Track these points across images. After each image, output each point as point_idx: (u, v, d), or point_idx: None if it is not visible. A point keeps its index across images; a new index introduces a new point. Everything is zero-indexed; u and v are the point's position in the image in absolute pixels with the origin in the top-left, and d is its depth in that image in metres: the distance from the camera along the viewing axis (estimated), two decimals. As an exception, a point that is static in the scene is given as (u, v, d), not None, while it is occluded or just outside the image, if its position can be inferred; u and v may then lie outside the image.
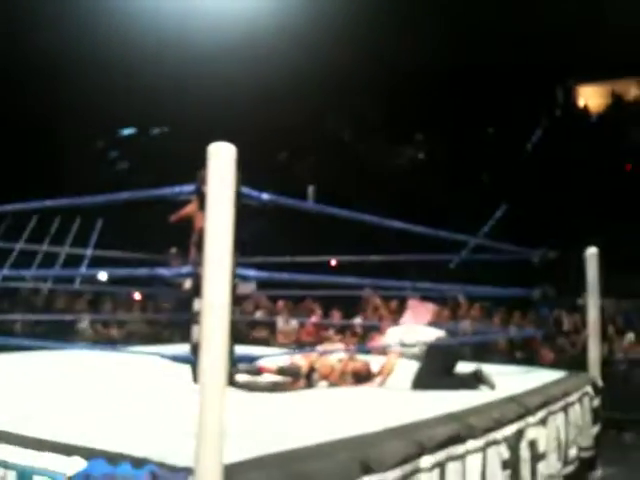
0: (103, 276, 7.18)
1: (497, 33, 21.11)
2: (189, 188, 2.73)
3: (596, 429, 6.21)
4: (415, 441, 3.46)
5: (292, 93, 22.27)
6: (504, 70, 21.50)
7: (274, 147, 25.42)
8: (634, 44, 19.17)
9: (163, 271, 3.02)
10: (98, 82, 22.38)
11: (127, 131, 29.37)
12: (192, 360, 2.57)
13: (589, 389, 6.12)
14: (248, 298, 10.78)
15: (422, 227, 4.94)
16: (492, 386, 5.11)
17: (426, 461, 3.45)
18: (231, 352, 2.61)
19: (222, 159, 2.58)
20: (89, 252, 11.46)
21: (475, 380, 5.22)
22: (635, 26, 18.96)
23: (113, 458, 2.75)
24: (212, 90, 22.70)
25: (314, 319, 10.32)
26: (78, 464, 2.77)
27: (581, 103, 24.76)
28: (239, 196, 2.64)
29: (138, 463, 2.67)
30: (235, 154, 2.59)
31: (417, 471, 3.37)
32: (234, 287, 2.75)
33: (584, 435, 5.89)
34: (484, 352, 8.06)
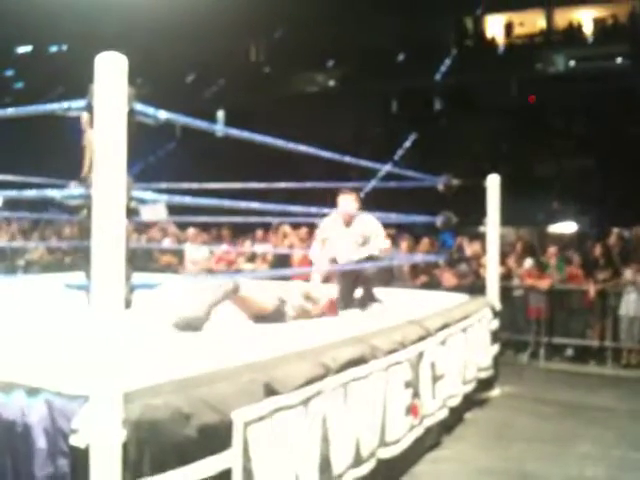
0: None
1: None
2: (79, 103, 2.54)
3: (494, 350, 6.49)
4: (319, 363, 3.49)
5: (205, 14, 21.43)
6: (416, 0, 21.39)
7: (183, 70, 24.61)
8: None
9: (54, 192, 2.84)
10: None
11: (23, 49, 27.64)
12: (86, 287, 2.45)
13: (488, 312, 6.36)
14: (156, 224, 10.54)
15: (333, 153, 4.89)
16: None
17: (330, 382, 3.50)
18: (128, 278, 2.49)
19: (111, 69, 2.39)
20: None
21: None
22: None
23: (6, 387, 2.64)
24: (119, 8, 21.56)
25: (225, 247, 10.21)
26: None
27: (489, 34, 25.00)
28: (132, 113, 2.48)
29: (33, 392, 2.58)
30: (126, 65, 2.42)
31: (321, 392, 3.41)
32: (132, 210, 2.62)
33: (482, 356, 6.15)
34: (390, 277, 8.22)
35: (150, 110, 2.70)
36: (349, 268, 5.46)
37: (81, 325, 2.62)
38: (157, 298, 4.44)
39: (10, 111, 2.98)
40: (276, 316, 4.68)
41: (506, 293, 7.98)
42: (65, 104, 2.60)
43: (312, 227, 9.21)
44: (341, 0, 21.81)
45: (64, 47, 27.21)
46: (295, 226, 9.76)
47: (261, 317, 4.63)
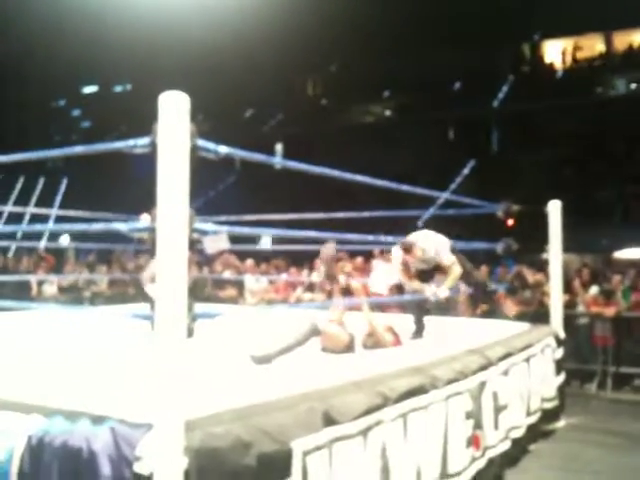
0: (65, 240, 7.08)
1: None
2: (144, 141, 2.65)
3: (559, 380, 6.33)
4: (378, 392, 3.48)
5: (261, 52, 21.92)
6: (471, 26, 21.38)
7: (242, 105, 25.13)
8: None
9: (120, 226, 2.95)
10: (59, 39, 21.80)
11: (89, 89, 28.73)
12: (151, 317, 2.52)
13: (551, 341, 6.23)
14: (219, 257, 10.71)
15: (390, 183, 4.92)
16: None
17: (389, 412, 3.48)
18: (190, 308, 2.56)
19: (173, 108, 2.49)
20: (54, 211, 11.28)
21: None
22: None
23: (72, 415, 2.72)
24: (179, 48, 22.26)
25: (285, 277, 10.29)
26: (37, 422, 2.75)
27: (547, 59, 24.76)
28: (194, 148, 2.57)
29: (98, 420, 2.65)
30: (188, 103, 2.51)
31: (380, 422, 3.40)
32: (194, 242, 2.70)
33: (547, 386, 6.01)
34: (450, 304, 8.14)
35: (211, 146, 2.79)
36: (417, 297, 5.46)
37: (145, 354, 2.69)
38: (219, 328, 4.53)
39: (79, 149, 3.12)
40: (346, 350, 4.70)
41: (571, 321, 7.79)
42: (131, 142, 2.71)
43: (368, 256, 9.23)
44: (395, 31, 21.99)
45: (128, 86, 28.17)
46: (352, 255, 9.77)
47: (331, 350, 4.64)
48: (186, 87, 3.12)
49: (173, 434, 2.44)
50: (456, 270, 5.49)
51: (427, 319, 5.68)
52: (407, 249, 5.43)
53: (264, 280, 10.03)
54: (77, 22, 21.48)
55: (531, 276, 8.96)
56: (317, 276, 5.58)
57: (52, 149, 3.59)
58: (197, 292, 2.43)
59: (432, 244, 5.49)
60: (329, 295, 9.01)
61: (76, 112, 28.44)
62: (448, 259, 5.48)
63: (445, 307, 7.34)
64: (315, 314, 4.96)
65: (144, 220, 5.46)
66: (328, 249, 5.35)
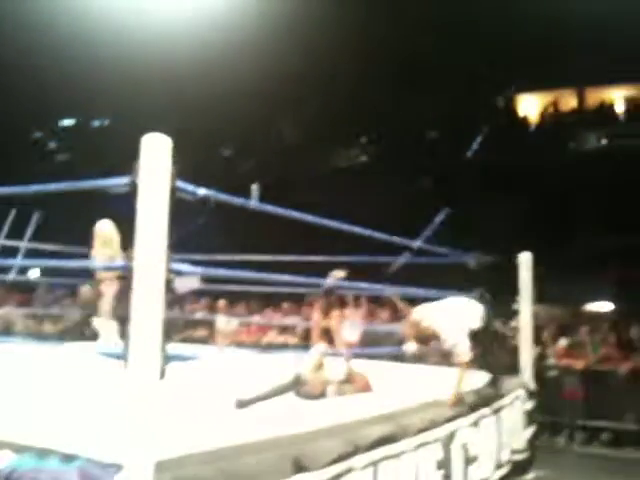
0: (35, 274, 7.02)
1: (441, 40, 21.45)
2: (123, 180, 2.66)
3: (529, 432, 6.33)
4: (349, 440, 3.46)
5: (239, 91, 22.13)
6: (447, 76, 21.85)
7: (218, 143, 25.26)
8: (572, 54, 19.78)
9: (95, 264, 2.94)
10: (36, 71, 21.83)
11: (67, 122, 28.68)
12: (124, 356, 2.51)
13: (521, 392, 6.24)
14: (190, 296, 10.64)
15: (362, 228, 4.96)
16: None
17: (360, 460, 3.46)
18: (163, 348, 2.54)
19: (156, 150, 2.52)
20: (23, 244, 11.12)
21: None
22: (571, 36, 19.59)
23: (42, 453, 2.68)
24: (157, 84, 22.40)
25: (257, 319, 10.25)
26: (7, 458, 2.70)
27: (521, 112, 25.32)
28: (174, 190, 2.58)
29: (67, 458, 2.61)
30: (170, 146, 2.54)
31: (351, 470, 3.37)
32: (169, 282, 2.69)
33: (517, 438, 6.00)
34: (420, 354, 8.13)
35: (190, 187, 2.81)
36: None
37: (116, 394, 2.66)
38: (194, 369, 4.48)
39: (58, 186, 3.11)
40: (318, 396, 4.68)
41: (540, 373, 7.83)
42: (111, 180, 2.72)
43: (341, 302, 9.22)
44: (373, 78, 22.38)
45: (106, 121, 28.19)
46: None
47: (304, 395, 4.62)
48: (163, 125, 3.15)
49: (142, 475, 2.41)
50: (467, 371, 5.16)
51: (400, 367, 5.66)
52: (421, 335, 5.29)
53: (234, 321, 9.98)
54: (57, 54, 21.55)
55: (500, 327, 9.01)
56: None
57: (28, 181, 3.57)
58: (170, 332, 2.40)
59: (452, 332, 5.14)
60: (303, 339, 8.99)
61: (52, 144, 28.33)
62: (464, 354, 5.12)
63: (418, 356, 7.35)
64: (295, 360, 4.96)
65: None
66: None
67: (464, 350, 5.12)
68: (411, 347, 5.35)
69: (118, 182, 2.71)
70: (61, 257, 6.96)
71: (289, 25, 21.11)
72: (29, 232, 14.34)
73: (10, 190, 3.45)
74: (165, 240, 2.52)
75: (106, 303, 6.60)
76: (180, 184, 2.70)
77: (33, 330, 9.63)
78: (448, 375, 6.39)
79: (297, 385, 4.49)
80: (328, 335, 5.24)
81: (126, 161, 2.69)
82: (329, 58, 22.00)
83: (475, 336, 5.25)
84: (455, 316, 5.27)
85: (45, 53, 21.50)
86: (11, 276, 6.90)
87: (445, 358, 7.43)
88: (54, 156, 27.92)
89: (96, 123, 28.67)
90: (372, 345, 6.34)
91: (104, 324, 6.50)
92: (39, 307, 10.18)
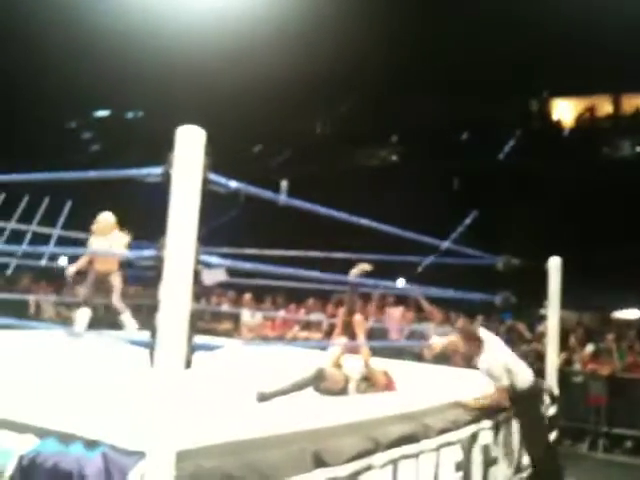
0: (64, 262, 7.27)
1: (475, 44, 21.28)
2: (157, 170, 2.69)
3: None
4: (370, 437, 3.47)
5: (273, 88, 22.19)
6: (482, 77, 21.68)
7: (251, 139, 25.36)
8: (608, 60, 19.50)
9: (127, 253, 2.98)
10: (72, 62, 22.11)
11: (101, 113, 29.02)
12: (150, 344, 2.54)
13: (545, 397, 6.19)
14: (216, 288, 10.72)
15: (391, 227, 4.96)
16: None
17: (380, 458, 3.47)
18: (189, 339, 2.58)
19: (190, 142, 2.55)
20: (56, 232, 11.31)
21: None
22: (608, 43, 19.30)
23: (66, 438, 2.72)
24: (193, 79, 22.56)
25: (282, 313, 10.30)
26: (30, 442, 2.74)
27: (555, 116, 25.06)
28: (206, 182, 2.61)
29: (90, 444, 2.65)
30: (204, 138, 2.57)
31: (370, 467, 3.38)
32: (197, 273, 2.72)
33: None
34: (445, 355, 8.12)
35: (222, 180, 2.84)
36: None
37: (142, 382, 2.70)
38: (218, 360, 4.52)
39: (92, 174, 3.16)
40: (340, 392, 4.69)
41: (566, 379, 7.76)
42: (144, 170, 2.76)
43: (366, 299, 9.22)
44: (407, 78, 22.30)
45: (140, 113, 28.47)
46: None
47: (326, 391, 4.63)
48: (196, 118, 3.19)
49: (164, 464, 2.44)
50: (492, 397, 5.08)
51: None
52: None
53: (259, 315, 10.05)
54: (95, 46, 21.80)
55: (524, 331, 8.97)
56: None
57: (61, 170, 3.63)
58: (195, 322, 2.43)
59: (493, 368, 5.10)
60: (327, 335, 9.02)
61: (87, 135, 28.69)
62: (498, 379, 5.07)
63: (443, 356, 7.34)
64: (317, 355, 4.97)
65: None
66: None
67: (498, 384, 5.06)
68: (437, 341, 5.32)
69: (151, 172, 2.75)
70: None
71: (322, 22, 21.11)
72: (61, 220, 14.55)
73: (47, 176, 3.51)
74: (195, 231, 2.55)
75: (83, 290, 6.88)
76: (212, 176, 2.72)
77: (63, 317, 9.77)
78: (471, 377, 6.37)
79: (318, 380, 4.51)
80: (350, 330, 5.23)
81: (158, 153, 2.73)
82: (362, 57, 21.96)
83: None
84: (509, 359, 5.20)
85: (80, 45, 21.77)
86: (43, 263, 7.08)
87: (468, 362, 7.39)
88: (88, 146, 28.26)
89: (130, 114, 28.96)
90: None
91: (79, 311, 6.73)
92: (69, 295, 10.33)
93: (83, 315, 6.84)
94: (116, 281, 6.95)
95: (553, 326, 6.53)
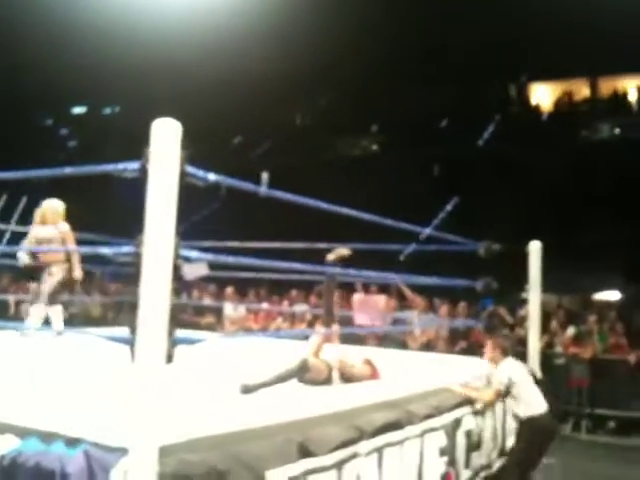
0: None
1: (454, 28, 21.32)
2: (134, 165, 2.67)
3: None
4: (354, 426, 3.49)
5: (251, 80, 22.12)
6: (460, 64, 21.74)
7: (231, 131, 25.27)
8: (585, 44, 19.62)
9: (104, 250, 2.96)
10: (48, 59, 21.90)
11: (78, 109, 28.76)
12: (131, 340, 2.53)
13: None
14: (198, 283, 10.69)
15: (373, 216, 4.97)
16: None
17: (364, 446, 3.49)
18: (170, 333, 2.57)
19: (166, 135, 2.53)
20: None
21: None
22: (584, 26, 19.42)
23: (47, 437, 2.71)
24: (169, 72, 22.41)
25: (264, 306, 10.30)
26: (11, 442, 2.73)
27: (533, 101, 25.19)
28: (184, 175, 2.60)
29: (72, 442, 2.64)
30: (180, 131, 2.55)
31: (355, 455, 3.40)
32: (177, 268, 2.71)
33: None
34: (428, 341, 8.18)
35: (200, 173, 2.83)
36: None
37: (123, 378, 2.69)
38: (200, 354, 4.50)
39: (69, 170, 3.13)
40: (324, 382, 4.69)
41: (548, 361, 7.84)
42: (121, 165, 2.74)
43: (350, 289, 9.25)
44: (385, 67, 22.30)
45: (117, 108, 28.26)
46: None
47: (309, 381, 4.64)
48: (174, 111, 3.16)
49: (147, 459, 2.43)
50: (488, 395, 5.14)
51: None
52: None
53: (242, 308, 10.04)
54: (69, 42, 21.60)
55: (506, 315, 9.03)
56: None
57: (38, 168, 3.59)
58: (177, 318, 2.42)
59: (500, 372, 5.21)
60: (310, 325, 9.03)
61: (64, 131, 28.45)
62: (497, 382, 5.15)
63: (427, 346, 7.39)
64: (300, 346, 4.97)
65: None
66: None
67: (497, 381, 5.13)
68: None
69: (128, 167, 2.73)
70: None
71: (300, 14, 21.04)
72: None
73: (24, 175, 3.47)
74: (174, 225, 2.54)
75: (48, 287, 6.39)
76: (190, 169, 2.71)
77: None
78: (454, 362, 6.42)
79: (302, 372, 4.51)
80: (330, 318, 5.23)
81: (137, 148, 2.70)
82: (341, 47, 21.93)
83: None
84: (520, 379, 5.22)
85: (56, 42, 21.55)
86: (20, 263, 6.91)
87: (451, 346, 7.44)
88: (65, 143, 28.02)
89: (107, 110, 28.73)
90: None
91: (38, 309, 6.38)
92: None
93: (36, 311, 6.41)
94: (57, 273, 6.42)
95: (534, 310, 6.59)
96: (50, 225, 6.49)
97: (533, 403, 5.12)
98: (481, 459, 5.02)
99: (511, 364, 5.25)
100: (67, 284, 6.62)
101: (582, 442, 7.89)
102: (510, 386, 5.05)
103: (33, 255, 6.49)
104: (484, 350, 5.47)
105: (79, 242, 6.73)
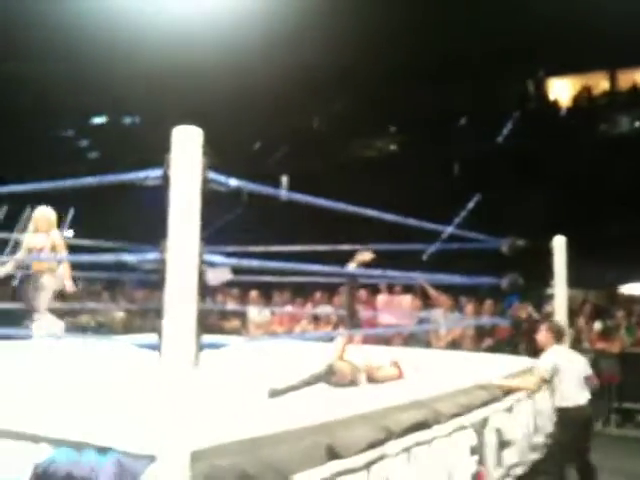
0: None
1: (469, 26, 21.21)
2: (156, 173, 2.70)
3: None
4: (382, 427, 3.48)
5: (267, 85, 22.18)
6: (477, 63, 21.62)
7: (250, 138, 25.35)
8: (603, 37, 19.41)
9: (128, 257, 2.99)
10: (69, 69, 22.13)
11: (98, 119, 29.02)
12: (158, 347, 2.55)
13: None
14: (222, 287, 10.73)
15: (394, 216, 4.96)
16: None
17: (393, 447, 3.48)
18: (197, 338, 2.58)
19: (187, 142, 2.56)
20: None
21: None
22: (602, 19, 19.21)
23: (77, 446, 2.73)
24: (187, 81, 22.54)
25: (288, 309, 10.31)
26: (44, 452, 2.76)
27: (552, 96, 24.98)
28: (205, 181, 2.62)
29: (102, 451, 2.66)
30: (201, 137, 2.57)
31: (384, 456, 3.39)
32: (201, 274, 2.72)
33: (552, 422, 5.96)
34: (454, 340, 8.13)
35: (222, 178, 2.85)
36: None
37: (152, 385, 2.71)
38: (227, 359, 4.52)
39: (90, 180, 3.17)
40: (350, 383, 4.69)
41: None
42: (142, 174, 2.76)
43: (374, 290, 9.23)
44: (402, 66, 22.23)
45: (137, 118, 28.46)
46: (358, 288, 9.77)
47: (335, 383, 4.64)
48: (194, 119, 3.18)
49: (178, 465, 2.45)
50: (532, 382, 5.30)
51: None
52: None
53: (267, 312, 10.05)
54: (89, 53, 21.79)
55: (532, 312, 8.95)
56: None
57: (59, 179, 3.62)
58: (203, 322, 2.43)
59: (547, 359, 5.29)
60: (336, 327, 9.03)
61: (84, 143, 28.69)
62: (542, 369, 5.25)
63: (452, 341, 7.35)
64: (326, 350, 4.97)
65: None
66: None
67: (541, 367, 5.19)
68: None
69: (150, 175, 2.75)
70: (93, 252, 7.00)
71: (317, 16, 21.07)
72: (64, 228, 14.55)
73: (46, 186, 3.50)
74: (198, 231, 2.56)
75: (45, 296, 6.26)
76: (212, 175, 2.73)
77: (70, 323, 9.79)
78: (480, 361, 6.38)
79: (328, 376, 4.51)
80: (353, 320, 5.22)
81: (158, 157, 2.72)
82: (357, 50, 21.92)
83: None
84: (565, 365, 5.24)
85: (75, 52, 21.77)
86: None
87: (477, 344, 7.40)
88: (86, 154, 28.28)
89: (127, 120, 28.95)
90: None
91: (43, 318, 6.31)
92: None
93: (42, 324, 6.21)
94: (49, 281, 6.27)
95: (560, 305, 6.53)
96: (42, 233, 6.37)
97: (567, 395, 5.11)
98: (513, 457, 4.98)
99: (559, 351, 5.23)
100: (60, 294, 6.52)
101: (612, 437, 7.80)
102: (554, 373, 5.03)
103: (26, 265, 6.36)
104: (536, 335, 5.46)
105: (101, 250, 6.73)
